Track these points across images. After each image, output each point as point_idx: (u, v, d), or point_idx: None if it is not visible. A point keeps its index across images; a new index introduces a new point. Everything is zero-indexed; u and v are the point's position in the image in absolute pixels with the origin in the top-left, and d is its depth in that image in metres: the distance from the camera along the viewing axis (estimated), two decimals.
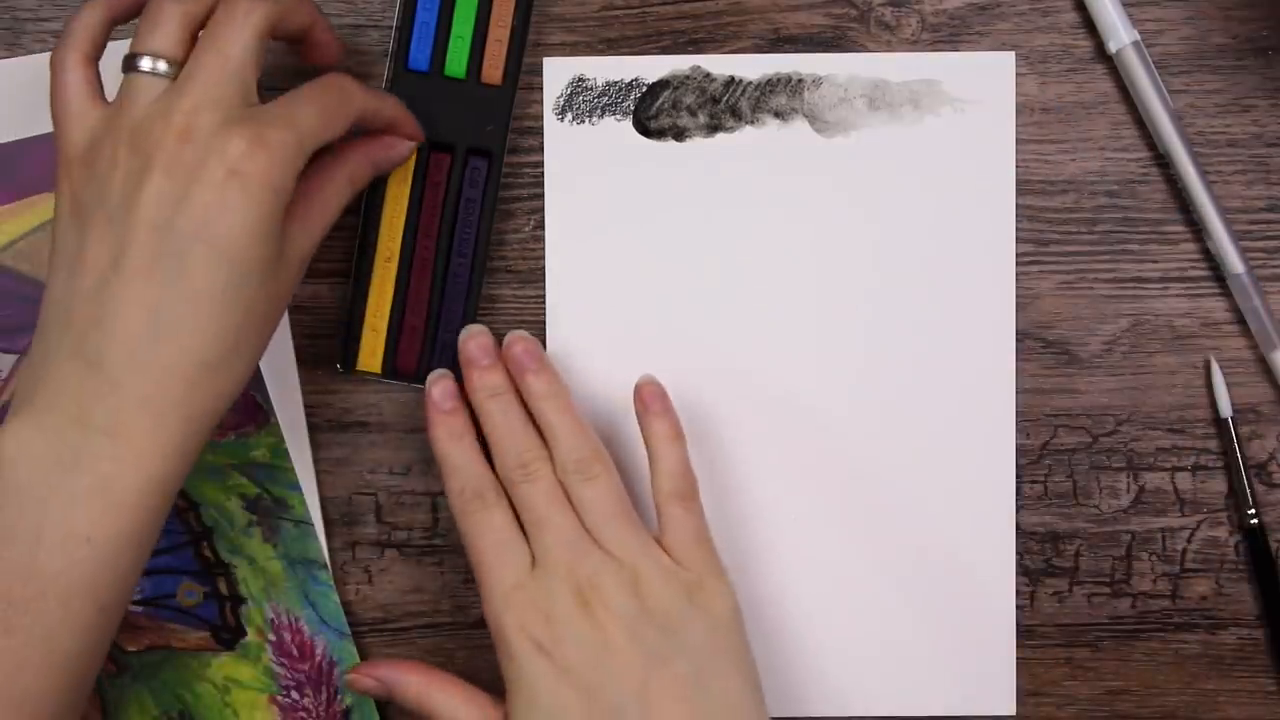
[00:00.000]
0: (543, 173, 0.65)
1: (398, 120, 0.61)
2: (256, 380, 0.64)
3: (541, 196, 0.65)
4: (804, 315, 0.65)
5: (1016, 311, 0.64)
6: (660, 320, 0.65)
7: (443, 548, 0.65)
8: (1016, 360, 0.64)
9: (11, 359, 0.64)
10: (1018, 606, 0.65)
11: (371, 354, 0.63)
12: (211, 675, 0.64)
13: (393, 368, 0.63)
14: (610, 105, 0.64)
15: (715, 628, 0.58)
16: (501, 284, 0.65)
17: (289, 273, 0.55)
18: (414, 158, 0.63)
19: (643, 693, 0.56)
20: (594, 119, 0.64)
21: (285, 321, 0.64)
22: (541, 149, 0.65)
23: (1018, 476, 0.65)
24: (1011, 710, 0.65)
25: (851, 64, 0.64)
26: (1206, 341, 0.65)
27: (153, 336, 0.52)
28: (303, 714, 0.65)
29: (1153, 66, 0.63)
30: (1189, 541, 0.65)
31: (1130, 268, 0.65)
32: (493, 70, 0.63)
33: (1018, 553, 0.65)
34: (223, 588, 0.64)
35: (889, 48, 0.64)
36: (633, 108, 0.64)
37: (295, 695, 0.64)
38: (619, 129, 0.64)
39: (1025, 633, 0.65)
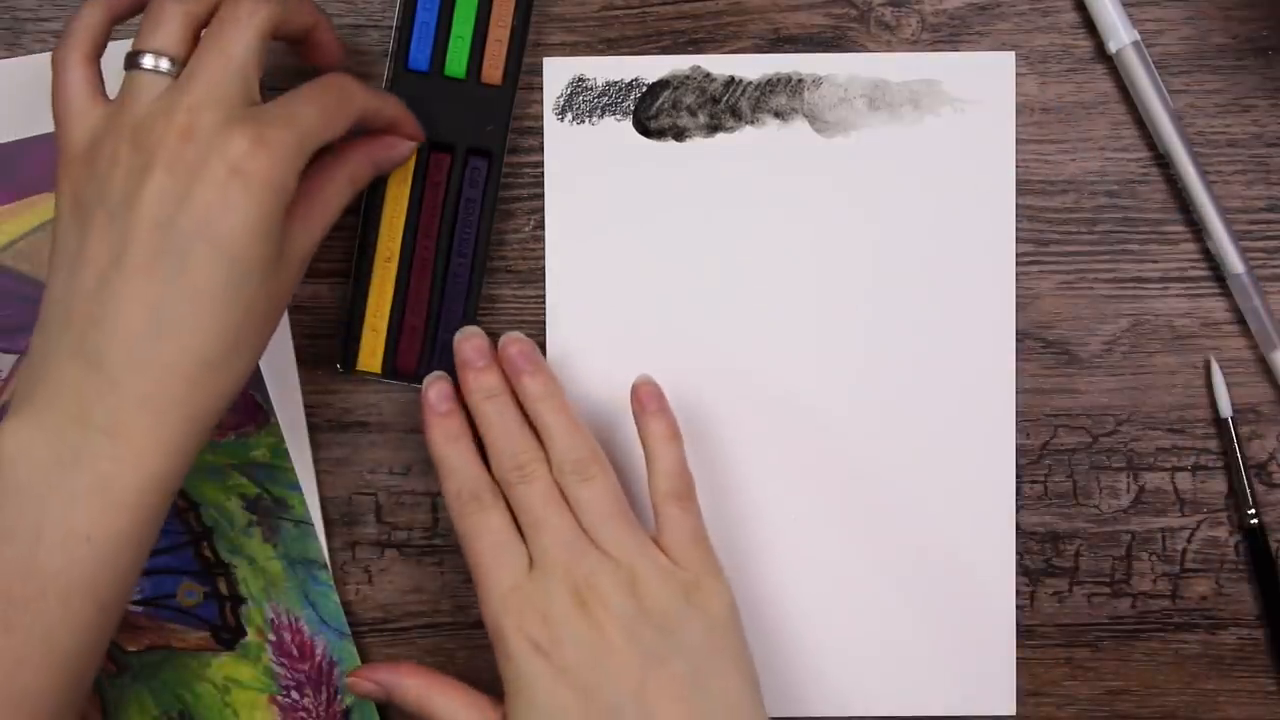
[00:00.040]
0: (543, 173, 0.65)
1: (398, 120, 0.61)
2: (256, 380, 0.64)
3: (541, 196, 0.65)
4: (804, 315, 0.65)
5: (1016, 311, 0.64)
6: (660, 320, 0.65)
7: (443, 548, 0.65)
8: (1016, 360, 0.64)
9: (11, 359, 0.64)
10: (1018, 606, 0.65)
11: (371, 354, 0.63)
12: (211, 675, 0.64)
13: (393, 368, 0.63)
14: (610, 105, 0.64)
15: (712, 627, 0.58)
16: (501, 284, 0.65)
17: (289, 272, 0.55)
18: (414, 158, 0.63)
19: (640, 692, 0.56)
20: (594, 119, 0.64)
21: (285, 321, 0.64)
22: (541, 149, 0.65)
23: (1018, 476, 0.65)
24: (1011, 710, 0.65)
25: (851, 64, 0.64)
26: (1206, 341, 0.65)
27: (153, 335, 0.52)
28: (303, 714, 0.64)
29: (1153, 66, 0.63)
30: (1189, 541, 0.65)
31: (1130, 268, 0.65)
32: (493, 70, 0.63)
33: (1018, 553, 0.65)
34: (223, 588, 0.64)
35: (889, 48, 0.64)
36: (633, 108, 0.64)
37: (295, 695, 0.64)
38: (619, 129, 0.64)
39: (1025, 633, 0.65)
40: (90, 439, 0.51)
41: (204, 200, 0.52)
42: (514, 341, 0.62)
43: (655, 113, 0.64)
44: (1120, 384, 0.65)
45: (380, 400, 0.65)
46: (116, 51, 0.55)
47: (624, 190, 0.65)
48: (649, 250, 0.65)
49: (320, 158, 0.57)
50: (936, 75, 0.64)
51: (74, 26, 0.55)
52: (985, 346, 0.64)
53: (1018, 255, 0.64)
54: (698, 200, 0.64)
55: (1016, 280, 0.64)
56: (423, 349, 0.63)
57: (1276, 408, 0.65)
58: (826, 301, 0.64)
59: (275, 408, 0.64)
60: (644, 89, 0.64)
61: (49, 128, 0.56)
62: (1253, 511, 0.64)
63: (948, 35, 0.64)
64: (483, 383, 0.61)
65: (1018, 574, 0.65)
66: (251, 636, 0.64)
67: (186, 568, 0.64)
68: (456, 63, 0.63)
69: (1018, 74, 0.64)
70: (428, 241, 0.63)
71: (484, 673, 0.63)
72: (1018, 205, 0.64)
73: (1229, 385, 0.64)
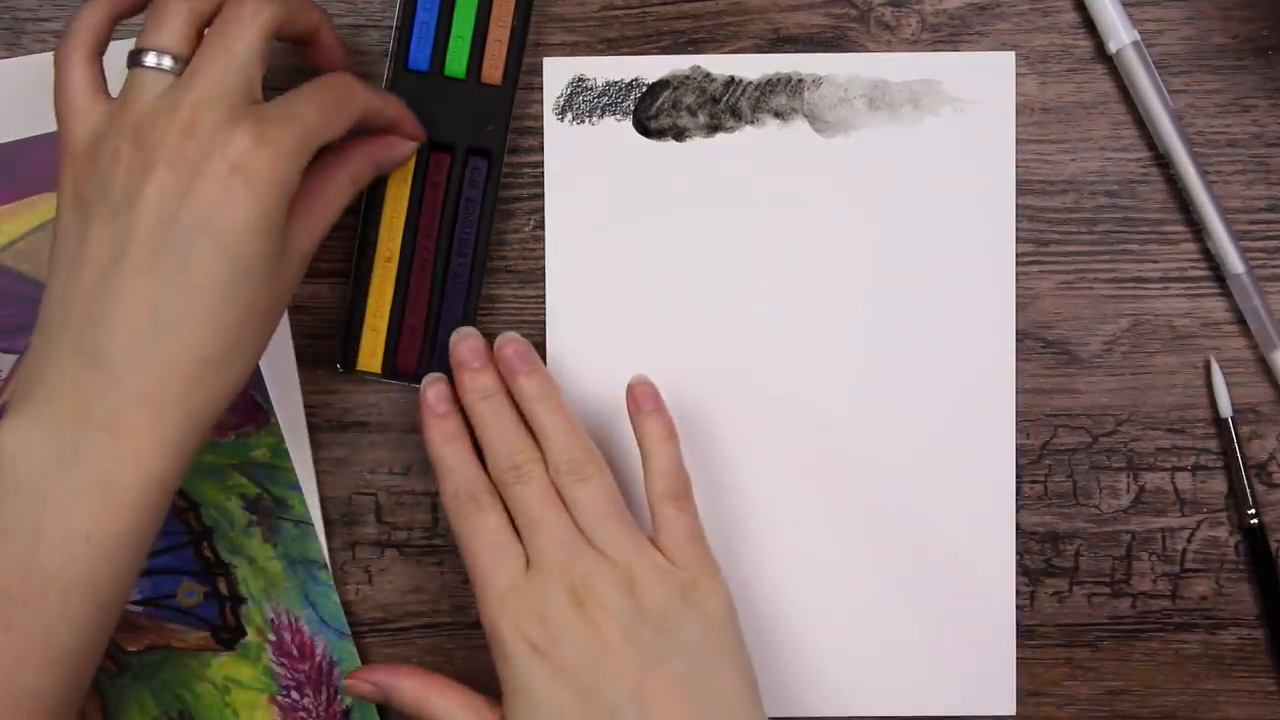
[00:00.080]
0: (543, 173, 0.65)
1: (399, 120, 0.61)
2: (256, 380, 0.64)
3: (541, 196, 0.65)
4: (804, 315, 0.65)
5: (1016, 311, 0.64)
6: (660, 320, 0.65)
7: (442, 548, 0.65)
8: (1016, 360, 0.64)
9: (11, 359, 0.64)
10: (1018, 606, 0.65)
11: (371, 354, 0.63)
12: (211, 675, 0.64)
13: (392, 368, 0.63)
14: (610, 105, 0.64)
15: (710, 627, 0.58)
16: (501, 284, 0.65)
17: (290, 270, 0.55)
18: (414, 158, 0.63)
19: (639, 692, 0.56)
20: (594, 119, 0.64)
21: (285, 321, 0.64)
22: (541, 149, 0.65)
23: (1018, 476, 0.65)
24: (1011, 710, 0.65)
25: (851, 64, 0.64)
26: (1206, 341, 0.65)
27: (153, 332, 0.52)
28: (303, 714, 0.64)
29: (1153, 66, 0.63)
30: (1189, 541, 0.65)
31: (1130, 268, 0.65)
32: (493, 70, 0.63)
33: (1018, 553, 0.65)
34: (223, 588, 0.64)
35: (889, 48, 0.64)
36: (633, 108, 0.64)
37: (295, 695, 0.64)
38: (619, 129, 0.64)
39: (1025, 633, 0.65)
40: (90, 436, 0.51)
41: (206, 197, 0.52)
42: (510, 342, 0.62)
43: (655, 113, 0.64)
44: (1120, 384, 0.65)
45: (380, 400, 0.65)
46: (118, 51, 0.56)
47: (624, 190, 0.65)
48: (649, 250, 0.65)
49: (321, 157, 0.57)
50: (936, 75, 0.64)
51: (76, 25, 0.55)
52: (985, 346, 0.64)
53: (1018, 255, 0.64)
54: (698, 200, 0.64)
55: (1016, 280, 0.64)
56: (422, 349, 0.63)
57: (1276, 408, 0.65)
58: (826, 301, 0.64)
59: (275, 408, 0.64)
60: (644, 89, 0.64)
61: (49, 128, 0.56)
62: (1253, 511, 0.64)
63: (948, 35, 0.64)
64: (478, 383, 0.61)
65: (1018, 574, 0.65)
66: (251, 636, 0.64)
67: (186, 568, 0.64)
68: (456, 63, 0.63)
69: (1018, 74, 0.64)
70: (428, 241, 0.63)
71: (483, 673, 0.62)
72: (1018, 205, 0.64)
73: (1229, 385, 0.64)
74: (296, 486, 0.64)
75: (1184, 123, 0.64)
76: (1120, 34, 0.63)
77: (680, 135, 0.64)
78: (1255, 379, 0.65)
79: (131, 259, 0.52)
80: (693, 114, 0.64)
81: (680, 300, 0.65)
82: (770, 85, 0.64)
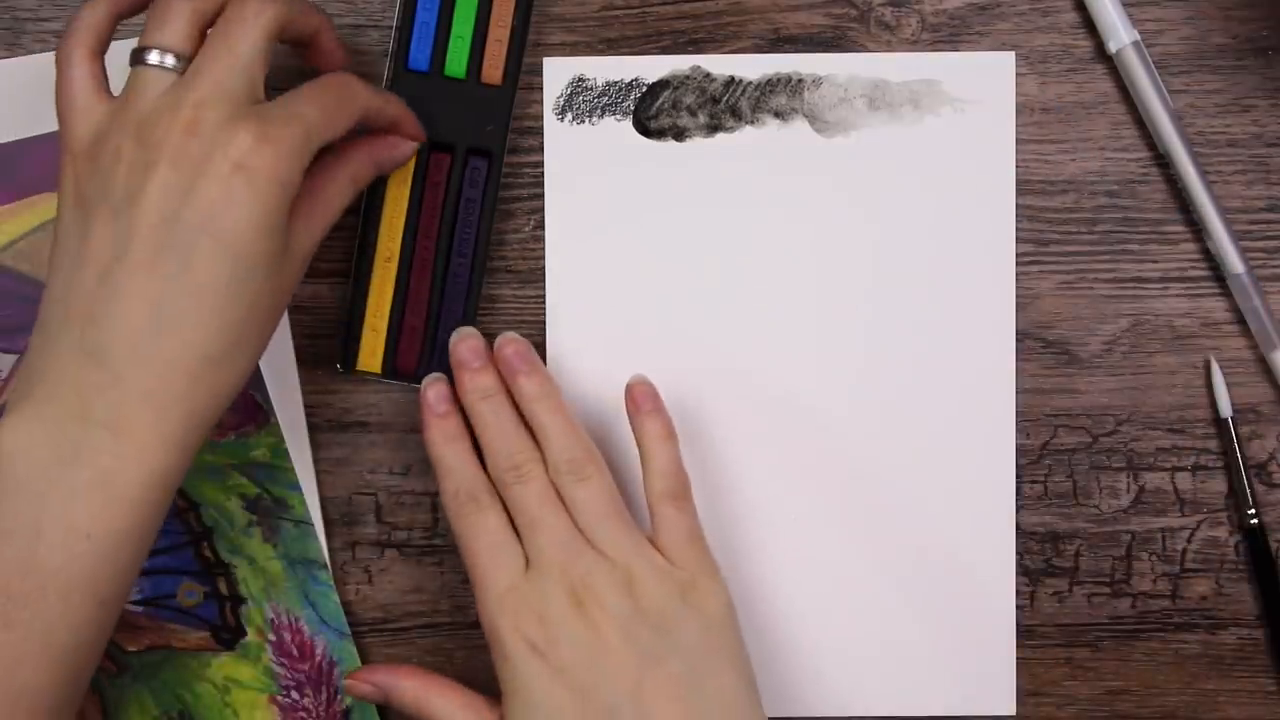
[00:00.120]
0: (543, 173, 0.65)
1: (400, 120, 0.61)
2: (256, 380, 0.64)
3: (541, 196, 0.65)
4: (804, 315, 0.65)
5: (1016, 311, 0.64)
6: (660, 320, 0.65)
7: (442, 548, 0.65)
8: (1016, 360, 0.64)
9: (11, 359, 0.64)
10: (1018, 606, 0.65)
11: (371, 354, 0.63)
12: (211, 675, 0.64)
13: (392, 368, 0.63)
14: (610, 105, 0.64)
15: (709, 627, 0.58)
16: (501, 284, 0.65)
17: (292, 269, 0.55)
18: (414, 158, 0.63)
19: (637, 692, 0.56)
20: (594, 119, 0.64)
21: (285, 321, 0.64)
22: (541, 149, 0.65)
23: (1018, 476, 0.65)
24: (1011, 710, 0.65)
25: (851, 64, 0.64)
26: (1206, 341, 0.65)
27: (155, 330, 0.52)
28: (303, 714, 0.64)
29: (1153, 66, 0.63)
30: (1189, 541, 0.65)
31: (1130, 268, 0.65)
32: (493, 70, 0.63)
33: (1018, 553, 0.65)
34: (223, 588, 0.64)
35: (889, 48, 0.64)
36: (633, 108, 0.64)
37: (295, 695, 0.64)
38: (619, 129, 0.65)
39: (1025, 633, 0.65)
40: (91, 434, 0.51)
41: (208, 195, 0.52)
42: (510, 342, 0.62)
43: (655, 113, 0.64)
44: (1120, 384, 0.65)
45: (380, 400, 0.65)
46: (119, 51, 0.56)
47: (624, 190, 0.65)
48: (649, 250, 0.65)
49: (322, 157, 0.57)
50: (936, 75, 0.64)
51: (78, 23, 0.55)
52: (985, 346, 0.64)
53: (1018, 255, 0.64)
54: (698, 200, 0.64)
55: (1016, 280, 0.64)
56: (422, 349, 0.63)
57: (1276, 408, 0.65)
58: (826, 301, 0.64)
59: (275, 408, 0.64)
60: (644, 89, 0.64)
61: (49, 127, 0.56)
62: (1253, 511, 0.64)
63: (948, 35, 0.64)
64: (478, 383, 0.61)
65: (1018, 574, 0.65)
66: (251, 636, 0.64)
67: (186, 568, 0.64)
68: (456, 63, 0.63)
69: (1018, 74, 0.64)
70: (428, 241, 0.63)
71: (483, 673, 0.62)
72: (1018, 205, 0.64)
73: (1229, 385, 0.64)
74: (296, 486, 0.64)
75: (1184, 123, 0.64)
76: (1120, 34, 0.63)
77: (680, 135, 0.64)
78: (1255, 379, 0.65)
79: (133, 257, 0.52)
80: (693, 114, 0.64)
81: (680, 300, 0.65)
82: (770, 85, 0.64)
